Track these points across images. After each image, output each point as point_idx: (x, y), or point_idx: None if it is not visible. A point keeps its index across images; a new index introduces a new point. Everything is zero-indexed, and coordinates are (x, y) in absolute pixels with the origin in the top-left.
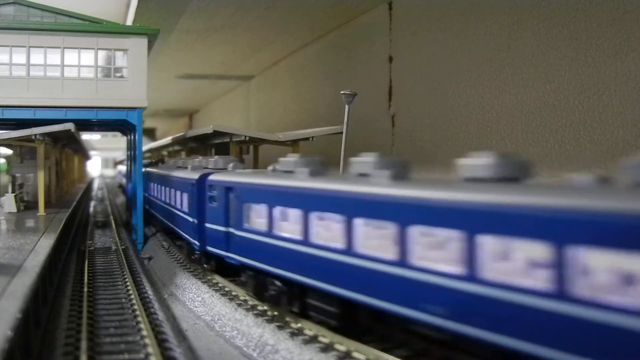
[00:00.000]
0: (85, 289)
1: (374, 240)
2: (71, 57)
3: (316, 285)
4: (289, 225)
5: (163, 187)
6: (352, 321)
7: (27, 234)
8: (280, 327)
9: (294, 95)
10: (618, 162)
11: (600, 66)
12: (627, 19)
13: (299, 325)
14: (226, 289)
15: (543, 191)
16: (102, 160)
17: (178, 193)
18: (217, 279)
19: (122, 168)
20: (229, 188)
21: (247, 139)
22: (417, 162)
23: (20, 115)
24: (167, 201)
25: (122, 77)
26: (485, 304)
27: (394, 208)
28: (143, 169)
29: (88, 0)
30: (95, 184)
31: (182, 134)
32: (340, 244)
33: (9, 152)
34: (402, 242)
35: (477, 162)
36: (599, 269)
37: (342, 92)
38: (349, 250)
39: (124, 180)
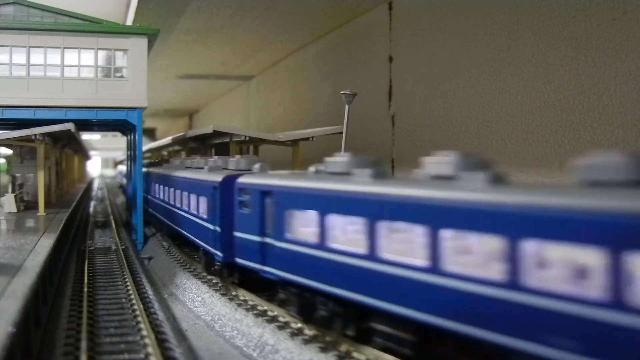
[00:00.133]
0: (85, 289)
1: (470, 257)
2: (71, 57)
3: (386, 307)
4: (348, 236)
5: (170, 190)
6: (431, 351)
7: (27, 234)
8: (280, 327)
9: (294, 95)
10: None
11: (600, 66)
12: (627, 19)
13: (299, 325)
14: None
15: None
16: (102, 160)
17: (192, 197)
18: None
19: (123, 168)
20: (265, 192)
21: (247, 139)
22: (417, 162)
23: (20, 115)
24: (176, 205)
25: (122, 77)
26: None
27: (498, 218)
28: (144, 170)
29: (88, 0)
30: (95, 184)
31: (182, 134)
32: (421, 260)
33: (9, 152)
34: (513, 260)
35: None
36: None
37: (342, 92)
38: (433, 268)
39: (124, 181)
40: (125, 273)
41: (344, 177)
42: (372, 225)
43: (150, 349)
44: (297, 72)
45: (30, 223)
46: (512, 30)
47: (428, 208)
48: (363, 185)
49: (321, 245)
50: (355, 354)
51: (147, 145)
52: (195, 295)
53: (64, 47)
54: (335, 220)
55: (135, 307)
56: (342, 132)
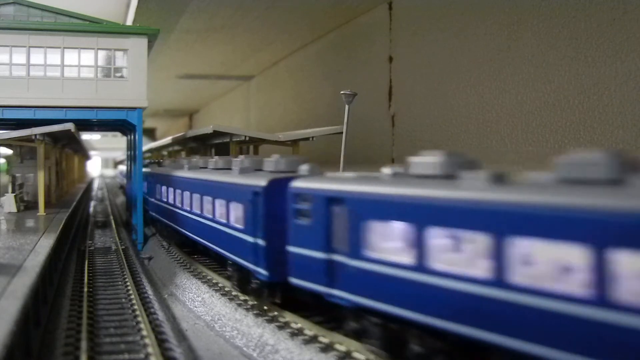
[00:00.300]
0: (85, 289)
1: None
2: (71, 57)
3: (523, 348)
4: (459, 256)
5: (183, 193)
6: None
7: (27, 234)
8: (280, 327)
9: (294, 95)
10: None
11: (600, 66)
12: (627, 19)
13: (299, 325)
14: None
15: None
16: (102, 160)
17: (218, 203)
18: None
19: (123, 168)
20: (333, 200)
21: (247, 139)
22: None
23: (20, 115)
24: (193, 211)
25: (122, 77)
26: None
27: None
28: (147, 170)
29: (88, 0)
30: (95, 184)
31: (182, 134)
32: (581, 288)
33: (9, 152)
34: None
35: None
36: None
37: (342, 92)
38: (600, 299)
39: (124, 181)
40: (125, 273)
41: (447, 182)
42: (499, 243)
43: (150, 349)
44: (297, 72)
45: (30, 223)
46: (512, 30)
47: (597, 223)
48: (479, 192)
49: (419, 266)
50: (355, 354)
51: (147, 145)
52: (195, 295)
53: (64, 47)
54: (439, 236)
55: (135, 307)
56: (342, 132)
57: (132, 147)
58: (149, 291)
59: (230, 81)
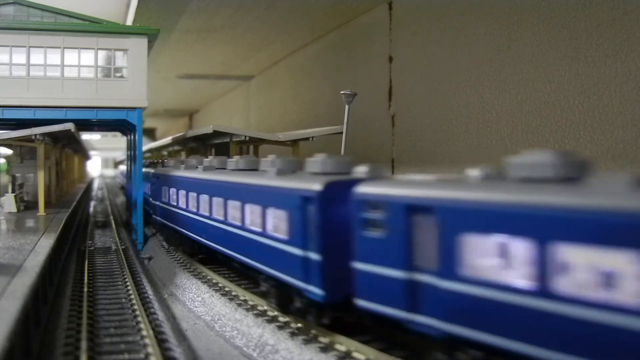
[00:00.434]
0: (85, 289)
1: None
2: (71, 57)
3: None
4: (603, 280)
5: (203, 198)
6: None
7: (27, 234)
8: (280, 327)
9: (294, 95)
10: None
11: (600, 66)
12: (627, 19)
13: (299, 325)
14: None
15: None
16: (102, 160)
17: (252, 209)
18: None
19: (123, 168)
20: (416, 208)
21: (247, 139)
22: (417, 162)
23: (20, 115)
24: (217, 218)
25: (122, 77)
26: None
27: None
28: (151, 171)
29: (88, 0)
30: (95, 184)
31: (182, 134)
32: None
33: (9, 152)
34: None
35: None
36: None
37: (342, 92)
38: None
39: (125, 181)
40: (125, 273)
41: (572, 187)
42: None
43: (150, 349)
44: (297, 72)
45: (30, 223)
46: (512, 30)
47: None
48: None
49: (541, 290)
50: (355, 354)
51: (147, 145)
52: (195, 295)
53: (64, 47)
54: (571, 254)
55: (135, 307)
56: (342, 132)
57: (132, 147)
58: (149, 291)
59: (230, 81)
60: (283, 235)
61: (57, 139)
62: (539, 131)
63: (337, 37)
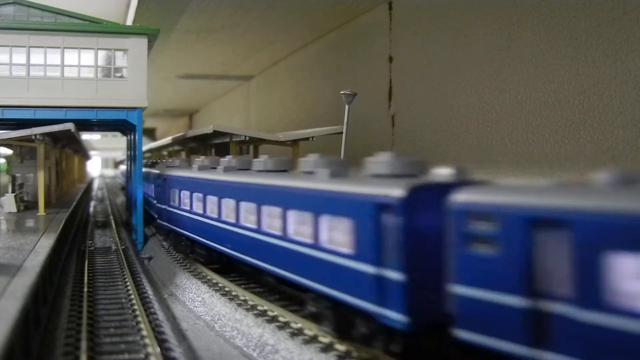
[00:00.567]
0: (85, 289)
1: None
2: (71, 57)
3: None
4: None
5: (228, 203)
6: None
7: (27, 234)
8: (280, 327)
9: (294, 95)
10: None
11: (600, 66)
12: (627, 19)
13: (299, 325)
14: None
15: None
16: (102, 160)
17: (298, 216)
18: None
19: (124, 168)
20: (544, 221)
21: (247, 139)
22: None
23: (20, 115)
24: (247, 225)
25: (122, 77)
26: None
27: None
28: (157, 171)
29: (88, 0)
30: (95, 184)
31: (182, 134)
32: None
33: (9, 152)
34: None
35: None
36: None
37: (342, 92)
38: None
39: (125, 181)
40: (125, 273)
41: None
42: None
43: (150, 349)
44: (297, 72)
45: (30, 223)
46: (512, 30)
47: None
48: None
49: None
50: (355, 354)
51: (147, 145)
52: (195, 295)
53: (64, 47)
54: None
55: (135, 307)
56: (342, 132)
57: (132, 147)
58: (149, 291)
59: (230, 81)
60: (345, 249)
61: (57, 139)
62: (539, 131)
63: (337, 37)
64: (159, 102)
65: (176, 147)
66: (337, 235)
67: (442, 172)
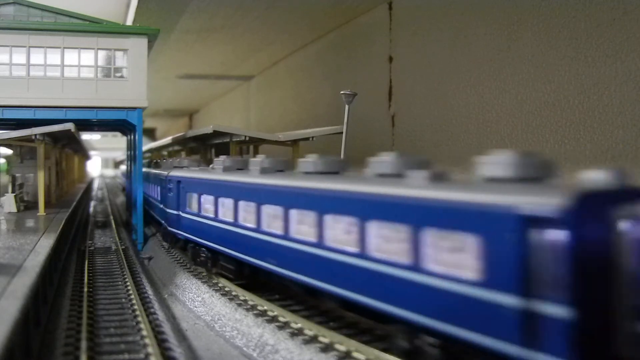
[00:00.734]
0: (85, 289)
1: None
2: (71, 57)
3: None
4: None
5: (275, 211)
6: None
7: (27, 234)
8: (280, 327)
9: (294, 95)
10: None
11: (600, 66)
12: (627, 19)
13: (299, 325)
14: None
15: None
16: (102, 160)
17: (395, 231)
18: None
19: (124, 168)
20: None
21: (247, 139)
22: None
23: (20, 115)
24: (301, 239)
25: (122, 77)
26: None
27: None
28: (176, 174)
29: (88, 0)
30: (95, 184)
31: (182, 134)
32: None
33: (9, 152)
34: None
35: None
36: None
37: (342, 92)
38: None
39: (125, 182)
40: (125, 273)
41: None
42: None
43: (150, 349)
44: (297, 72)
45: (30, 223)
46: (512, 30)
47: None
48: None
49: None
50: (355, 354)
51: (147, 145)
52: (195, 295)
53: (64, 47)
54: None
55: (135, 307)
56: (342, 132)
57: (132, 147)
58: (149, 291)
59: (230, 81)
60: (467, 273)
61: (57, 139)
62: (539, 131)
63: (337, 37)
64: (159, 102)
65: (176, 147)
66: (449, 255)
67: (595, 176)
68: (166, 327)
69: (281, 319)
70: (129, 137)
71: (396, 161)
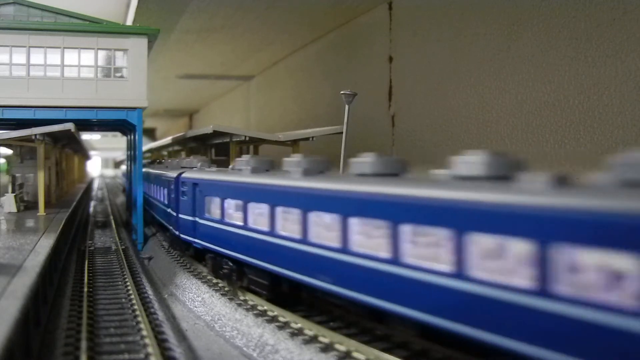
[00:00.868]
0: (85, 289)
1: None
2: (71, 57)
3: None
4: None
5: (340, 220)
6: None
7: (27, 234)
8: (280, 327)
9: (294, 95)
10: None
11: (600, 66)
12: (627, 19)
13: (299, 325)
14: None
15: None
16: (102, 160)
17: (515, 248)
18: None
19: (125, 168)
20: None
21: (247, 139)
22: (417, 162)
23: (20, 115)
24: (384, 256)
25: (122, 77)
26: None
27: None
28: (193, 176)
29: (88, 0)
30: (95, 184)
31: (182, 134)
32: None
33: (9, 152)
34: None
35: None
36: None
37: (342, 92)
38: None
39: (126, 182)
40: (125, 273)
41: None
42: None
43: (150, 349)
44: (297, 72)
45: (30, 223)
46: (512, 30)
47: None
48: None
49: None
50: (355, 354)
51: (147, 145)
52: (195, 295)
53: (64, 47)
54: None
55: (135, 307)
56: (342, 132)
57: (132, 147)
58: (149, 291)
59: (230, 81)
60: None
61: (57, 139)
62: (539, 131)
63: (337, 37)
64: (159, 102)
65: (176, 147)
66: (603, 280)
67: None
68: (166, 327)
69: (281, 319)
70: (129, 137)
71: (492, 161)
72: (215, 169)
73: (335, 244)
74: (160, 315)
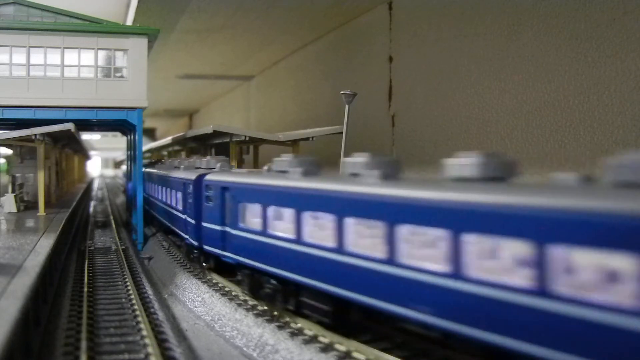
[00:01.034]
0: (85, 289)
1: None
2: (71, 57)
3: None
4: None
5: (452, 238)
6: None
7: (27, 234)
8: (280, 327)
9: (294, 95)
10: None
11: (600, 66)
12: (627, 19)
13: (299, 325)
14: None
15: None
16: (102, 160)
17: None
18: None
19: (125, 169)
20: None
21: (247, 139)
22: (417, 162)
23: (20, 115)
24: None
25: (122, 77)
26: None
27: None
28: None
29: (88, 0)
30: (95, 184)
31: (182, 134)
32: None
33: (9, 152)
34: None
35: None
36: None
37: (342, 92)
38: None
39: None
40: (125, 273)
41: None
42: None
43: (150, 349)
44: (297, 72)
45: (30, 223)
46: (512, 30)
47: None
48: None
49: None
50: (355, 354)
51: (147, 145)
52: (195, 295)
53: (64, 47)
54: None
55: (135, 307)
56: (342, 132)
57: (132, 147)
58: (149, 291)
59: (230, 81)
60: None
61: (57, 139)
62: (539, 131)
63: (337, 37)
64: (159, 102)
65: (176, 147)
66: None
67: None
68: (166, 327)
69: (281, 319)
70: (129, 137)
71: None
72: (246, 171)
73: (439, 266)
74: (160, 315)
